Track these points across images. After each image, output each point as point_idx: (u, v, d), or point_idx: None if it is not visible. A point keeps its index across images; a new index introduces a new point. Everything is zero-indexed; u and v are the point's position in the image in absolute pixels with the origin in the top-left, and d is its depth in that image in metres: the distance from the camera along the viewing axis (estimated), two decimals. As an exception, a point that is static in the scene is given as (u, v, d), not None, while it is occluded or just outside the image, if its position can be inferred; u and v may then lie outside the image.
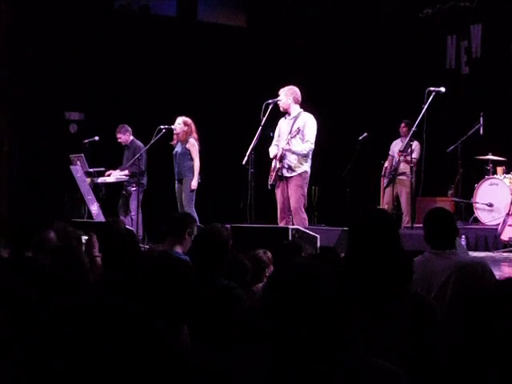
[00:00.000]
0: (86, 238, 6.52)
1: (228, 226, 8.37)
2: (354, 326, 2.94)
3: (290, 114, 9.90)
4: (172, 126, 11.26)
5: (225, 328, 3.65)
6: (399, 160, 12.28)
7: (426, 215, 5.09)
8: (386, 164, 12.64)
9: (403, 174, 12.15)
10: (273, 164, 9.93)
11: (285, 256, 6.10)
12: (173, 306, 3.12)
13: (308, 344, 2.24)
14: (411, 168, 11.17)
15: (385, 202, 12.34)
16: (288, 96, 9.85)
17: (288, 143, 9.67)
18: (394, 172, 12.29)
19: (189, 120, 11.39)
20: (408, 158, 11.95)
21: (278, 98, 9.86)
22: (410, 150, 11.40)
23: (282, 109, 9.87)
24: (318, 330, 2.25)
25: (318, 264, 2.41)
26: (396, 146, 12.66)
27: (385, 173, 12.51)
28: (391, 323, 3.13)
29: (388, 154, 12.84)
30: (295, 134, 9.67)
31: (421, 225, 8.99)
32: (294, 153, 9.69)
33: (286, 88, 9.93)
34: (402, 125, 12.56)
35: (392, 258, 3.25)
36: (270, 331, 2.29)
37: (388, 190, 12.40)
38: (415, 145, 12.22)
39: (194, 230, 6.34)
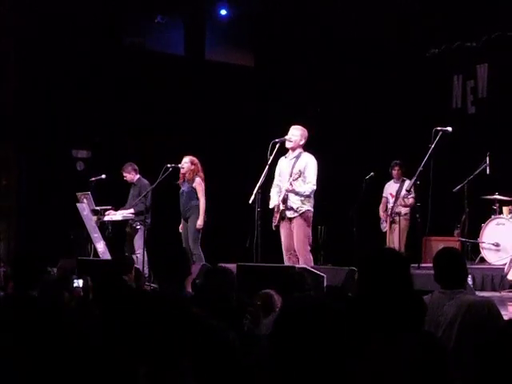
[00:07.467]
0: (81, 281, 6.50)
1: (234, 265, 8.35)
2: (364, 366, 2.93)
3: (291, 153, 9.90)
4: (179, 165, 11.29)
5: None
6: (395, 202, 12.31)
7: (436, 255, 5.07)
8: (381, 207, 12.64)
9: (399, 214, 12.19)
10: (274, 205, 9.91)
11: (290, 287, 6.14)
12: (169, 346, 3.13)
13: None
14: (411, 209, 11.23)
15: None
16: (302, 137, 9.85)
17: (291, 184, 9.67)
18: (392, 214, 12.34)
19: (195, 159, 11.46)
20: (407, 200, 12.00)
21: (292, 135, 9.83)
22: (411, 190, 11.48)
23: (289, 145, 9.84)
24: (321, 363, 2.29)
25: (325, 301, 2.45)
26: (390, 187, 12.70)
27: (386, 217, 12.51)
28: (400, 363, 3.11)
29: (382, 197, 12.82)
30: (297, 177, 9.66)
31: (428, 264, 8.95)
32: (297, 194, 9.68)
33: (301, 128, 9.92)
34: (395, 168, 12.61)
35: (404, 299, 3.21)
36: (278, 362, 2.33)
37: (389, 232, 12.40)
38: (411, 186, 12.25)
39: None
